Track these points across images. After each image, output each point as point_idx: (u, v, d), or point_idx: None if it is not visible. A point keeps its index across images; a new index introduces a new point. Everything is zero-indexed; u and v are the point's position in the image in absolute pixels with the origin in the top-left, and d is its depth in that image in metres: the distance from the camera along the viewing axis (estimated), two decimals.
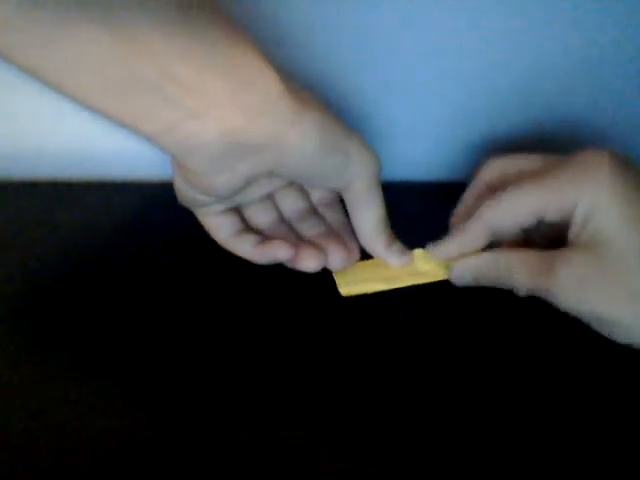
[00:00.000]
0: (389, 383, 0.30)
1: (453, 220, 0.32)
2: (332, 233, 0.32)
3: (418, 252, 0.31)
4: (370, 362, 0.31)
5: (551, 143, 0.41)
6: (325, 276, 0.31)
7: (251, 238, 0.31)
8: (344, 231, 0.32)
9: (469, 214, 0.29)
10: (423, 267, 0.31)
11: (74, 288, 0.34)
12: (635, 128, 0.40)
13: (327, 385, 0.29)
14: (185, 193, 0.29)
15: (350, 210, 0.30)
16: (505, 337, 0.32)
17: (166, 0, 0.22)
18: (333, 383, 0.30)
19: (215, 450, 0.27)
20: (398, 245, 0.31)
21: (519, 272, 0.27)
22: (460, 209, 0.31)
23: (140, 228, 0.38)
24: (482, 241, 0.28)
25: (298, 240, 0.32)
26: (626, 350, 0.26)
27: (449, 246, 0.29)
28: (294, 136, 0.26)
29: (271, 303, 0.33)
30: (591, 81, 0.38)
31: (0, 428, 0.28)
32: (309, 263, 0.30)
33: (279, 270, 0.31)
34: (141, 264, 0.36)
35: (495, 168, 0.30)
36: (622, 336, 0.25)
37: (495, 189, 0.28)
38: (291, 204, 0.33)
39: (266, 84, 0.25)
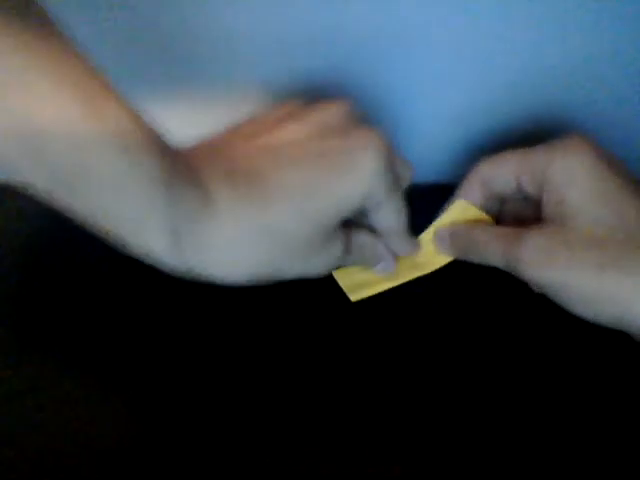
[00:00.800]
0: (391, 383, 0.30)
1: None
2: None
3: (422, 238, 0.32)
4: (372, 362, 0.31)
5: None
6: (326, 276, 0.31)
7: None
8: None
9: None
10: (427, 249, 0.32)
11: (74, 288, 0.34)
12: (635, 128, 0.40)
13: (329, 385, 0.30)
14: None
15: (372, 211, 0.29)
16: (507, 336, 0.32)
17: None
18: (335, 383, 0.30)
19: (215, 450, 0.27)
20: (412, 238, 0.32)
21: (491, 242, 0.28)
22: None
23: None
24: (478, 194, 0.30)
25: None
26: (626, 346, 0.26)
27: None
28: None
29: (274, 304, 0.33)
30: (591, 81, 0.38)
31: (1, 428, 0.28)
32: None
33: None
34: (141, 264, 0.36)
35: (488, 161, 0.31)
36: (584, 309, 0.25)
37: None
38: None
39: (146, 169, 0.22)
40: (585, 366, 0.30)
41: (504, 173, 0.29)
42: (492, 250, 0.28)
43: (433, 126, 0.41)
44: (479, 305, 0.33)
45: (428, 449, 0.27)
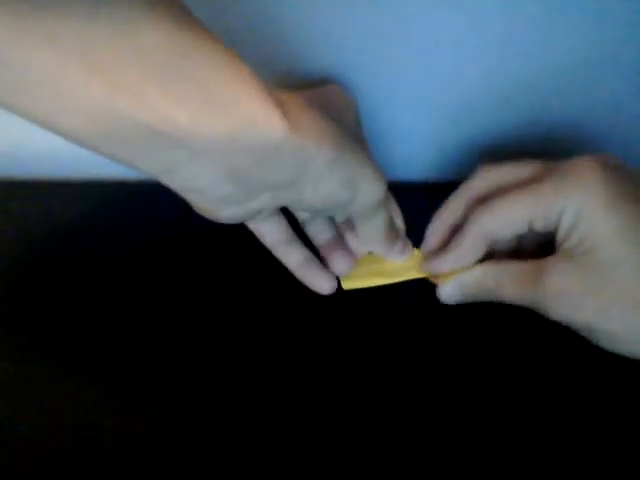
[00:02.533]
0: (388, 380, 0.30)
1: (435, 224, 0.31)
2: (339, 237, 0.32)
3: (419, 253, 0.32)
4: (369, 359, 0.31)
5: (551, 143, 0.41)
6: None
7: (298, 253, 0.31)
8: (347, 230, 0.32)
9: (454, 218, 0.29)
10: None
11: (74, 288, 0.34)
12: (635, 128, 0.40)
13: (326, 382, 0.30)
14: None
15: (354, 221, 0.29)
16: (505, 334, 0.32)
17: (155, 45, 0.20)
18: (333, 380, 0.30)
19: (215, 448, 0.27)
20: (399, 245, 0.31)
21: (508, 285, 0.27)
22: (444, 213, 0.31)
23: (140, 227, 0.38)
24: (481, 251, 0.28)
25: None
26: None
27: (447, 260, 0.29)
28: (306, 178, 0.24)
29: (271, 302, 0.33)
30: (591, 81, 0.38)
31: (1, 428, 0.28)
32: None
33: (278, 269, 0.31)
34: (141, 263, 0.36)
35: (485, 176, 0.29)
36: (611, 345, 0.25)
37: (485, 198, 0.28)
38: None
39: (268, 122, 0.22)
40: (583, 366, 0.30)
41: (511, 224, 0.27)
42: (507, 291, 0.27)
43: (433, 125, 0.41)
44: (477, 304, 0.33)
45: (428, 448, 0.27)
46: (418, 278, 0.31)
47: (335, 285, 0.31)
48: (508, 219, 0.27)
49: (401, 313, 0.33)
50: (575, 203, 0.25)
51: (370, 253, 0.32)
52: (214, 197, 0.24)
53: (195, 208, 0.26)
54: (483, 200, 0.28)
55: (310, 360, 0.31)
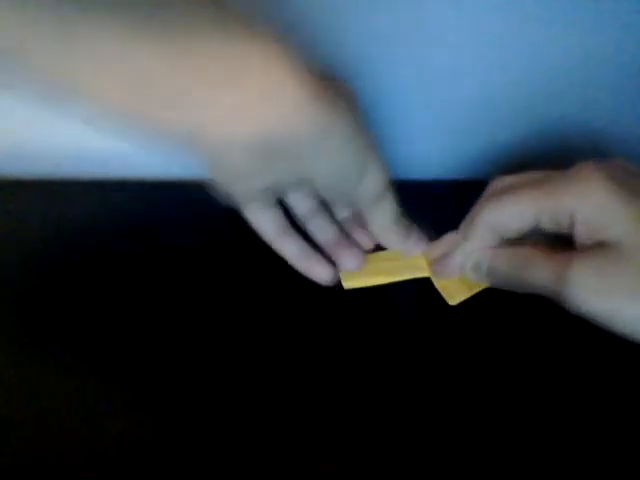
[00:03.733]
0: (389, 380, 0.30)
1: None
2: (343, 234, 0.33)
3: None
4: (371, 358, 0.31)
5: (550, 143, 0.41)
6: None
7: (295, 244, 0.31)
8: (353, 227, 0.33)
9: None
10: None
11: (74, 287, 0.34)
12: (635, 128, 0.40)
13: (328, 381, 0.30)
14: (222, 189, 0.29)
15: (362, 213, 0.30)
16: (506, 333, 0.32)
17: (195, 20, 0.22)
18: (335, 379, 0.30)
19: (215, 447, 0.27)
20: (414, 236, 0.31)
21: (538, 266, 0.26)
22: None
23: (140, 227, 0.38)
24: (487, 239, 0.28)
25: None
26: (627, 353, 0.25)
27: (456, 255, 0.29)
28: (322, 149, 0.25)
29: (272, 303, 0.33)
30: (591, 81, 0.38)
31: (1, 428, 0.28)
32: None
33: (278, 268, 0.31)
34: (141, 264, 0.36)
35: (497, 185, 0.29)
36: (634, 330, 0.24)
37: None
38: (303, 203, 0.33)
39: (296, 89, 0.24)
40: (584, 362, 0.30)
41: (517, 217, 0.27)
42: (536, 273, 0.26)
43: (432, 124, 0.41)
44: (480, 300, 0.33)
45: (428, 448, 0.27)
46: (420, 278, 0.31)
47: (334, 275, 0.31)
48: (514, 211, 0.27)
49: (402, 312, 0.33)
50: (587, 202, 0.25)
51: (373, 251, 0.32)
52: (237, 162, 0.25)
53: (213, 179, 0.27)
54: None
55: (311, 360, 0.31)
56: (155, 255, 0.36)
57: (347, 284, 0.31)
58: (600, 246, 0.25)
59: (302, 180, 0.27)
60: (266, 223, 0.31)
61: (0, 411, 0.28)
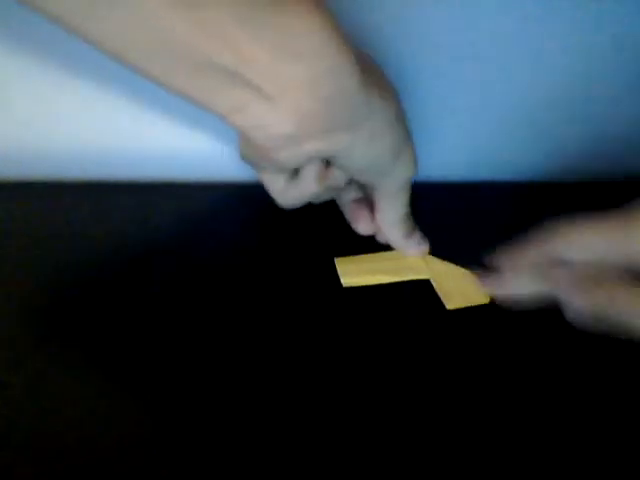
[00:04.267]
0: (388, 382, 0.30)
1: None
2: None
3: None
4: (368, 359, 0.31)
5: (551, 142, 0.41)
6: (326, 272, 0.31)
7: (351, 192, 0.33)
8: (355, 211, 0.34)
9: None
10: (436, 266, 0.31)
11: (73, 288, 0.34)
12: (635, 128, 0.40)
13: (326, 382, 0.29)
14: (248, 158, 0.29)
15: (376, 201, 0.31)
16: (504, 336, 0.32)
17: None
18: (333, 379, 0.30)
19: (215, 447, 0.27)
20: (417, 236, 0.32)
21: (625, 298, 0.25)
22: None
23: (139, 229, 0.38)
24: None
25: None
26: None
27: (510, 285, 0.29)
28: (365, 132, 0.26)
29: (273, 305, 0.33)
30: (591, 81, 0.38)
31: (1, 428, 0.28)
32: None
33: (278, 269, 0.31)
34: (141, 264, 0.36)
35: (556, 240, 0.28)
36: None
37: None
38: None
39: (344, 74, 0.24)
40: (586, 368, 0.30)
41: (587, 253, 0.26)
42: (629, 308, 0.25)
43: (432, 124, 0.41)
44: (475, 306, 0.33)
45: (428, 449, 0.27)
46: (419, 280, 0.31)
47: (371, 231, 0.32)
48: (590, 251, 0.26)
49: (400, 314, 0.33)
50: None
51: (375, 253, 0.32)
52: (276, 136, 0.25)
53: (253, 146, 0.27)
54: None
55: (309, 361, 0.31)
56: (155, 256, 0.36)
57: (346, 281, 0.31)
58: None
59: (340, 158, 0.28)
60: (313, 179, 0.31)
61: (0, 411, 0.28)
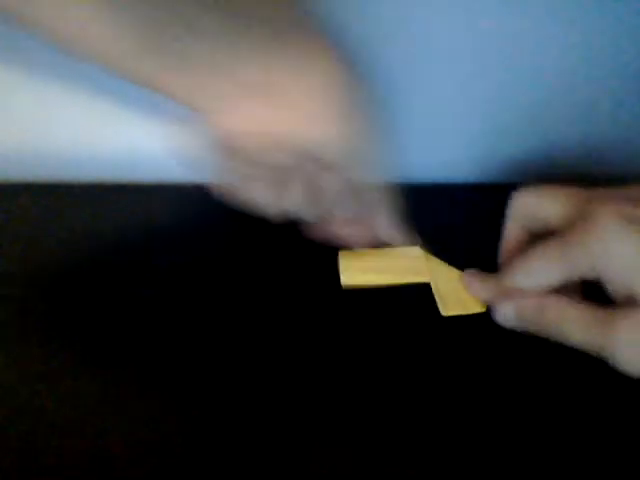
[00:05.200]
0: (387, 385, 0.30)
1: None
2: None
3: (423, 254, 0.31)
4: (366, 362, 0.31)
5: (551, 142, 0.41)
6: (327, 276, 0.31)
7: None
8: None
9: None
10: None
11: (73, 289, 0.34)
12: (635, 128, 0.40)
13: (325, 383, 0.30)
14: (235, 170, 0.30)
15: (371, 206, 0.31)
16: (502, 341, 0.32)
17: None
18: (332, 381, 0.30)
19: (215, 448, 0.27)
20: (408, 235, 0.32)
21: (571, 324, 0.26)
22: (504, 255, 0.30)
23: (139, 229, 0.38)
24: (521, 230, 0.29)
25: None
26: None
27: (488, 289, 0.29)
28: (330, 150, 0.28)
29: (272, 306, 0.33)
30: (591, 81, 0.38)
31: (1, 428, 0.28)
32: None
33: (278, 271, 0.31)
34: (140, 265, 0.36)
35: (524, 208, 0.29)
36: None
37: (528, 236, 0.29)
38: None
39: (326, 142, 0.27)
40: (584, 373, 0.30)
41: (545, 280, 0.27)
42: (570, 331, 0.26)
43: (432, 123, 0.41)
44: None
45: (427, 450, 0.27)
46: (420, 283, 0.31)
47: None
48: (541, 277, 0.27)
49: (398, 317, 0.33)
50: (609, 263, 0.24)
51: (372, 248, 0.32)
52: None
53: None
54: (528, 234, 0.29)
55: (308, 363, 0.31)
56: (154, 257, 0.36)
57: (345, 280, 0.31)
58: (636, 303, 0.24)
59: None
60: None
61: (0, 411, 0.28)
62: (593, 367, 0.30)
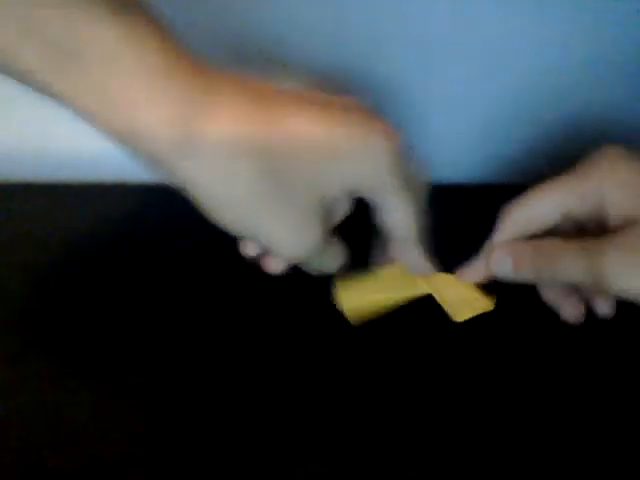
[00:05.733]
0: (388, 382, 0.30)
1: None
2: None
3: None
4: (370, 361, 0.31)
5: (551, 142, 0.41)
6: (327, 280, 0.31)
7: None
8: None
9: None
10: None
11: (72, 289, 0.34)
12: (635, 128, 0.40)
13: (329, 383, 0.30)
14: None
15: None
16: (507, 346, 0.32)
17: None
18: (335, 381, 0.30)
19: (214, 448, 0.27)
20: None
21: (565, 257, 0.25)
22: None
23: (138, 230, 0.38)
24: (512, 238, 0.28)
25: None
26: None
27: (480, 267, 0.29)
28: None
29: (272, 306, 0.33)
30: (591, 81, 0.38)
31: (1, 428, 0.28)
32: None
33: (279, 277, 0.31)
34: (140, 265, 0.36)
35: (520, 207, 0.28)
36: None
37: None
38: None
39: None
40: (587, 374, 0.30)
41: (544, 206, 0.27)
42: (565, 264, 0.25)
43: (432, 123, 0.41)
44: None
45: (428, 455, 0.27)
46: (421, 296, 0.30)
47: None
48: (541, 200, 0.27)
49: (401, 318, 0.33)
50: (614, 178, 0.25)
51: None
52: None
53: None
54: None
55: (309, 367, 0.31)
56: (154, 257, 0.36)
57: (344, 300, 0.30)
58: (633, 224, 0.24)
59: None
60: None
61: (0, 411, 0.28)
62: (593, 367, 0.30)
